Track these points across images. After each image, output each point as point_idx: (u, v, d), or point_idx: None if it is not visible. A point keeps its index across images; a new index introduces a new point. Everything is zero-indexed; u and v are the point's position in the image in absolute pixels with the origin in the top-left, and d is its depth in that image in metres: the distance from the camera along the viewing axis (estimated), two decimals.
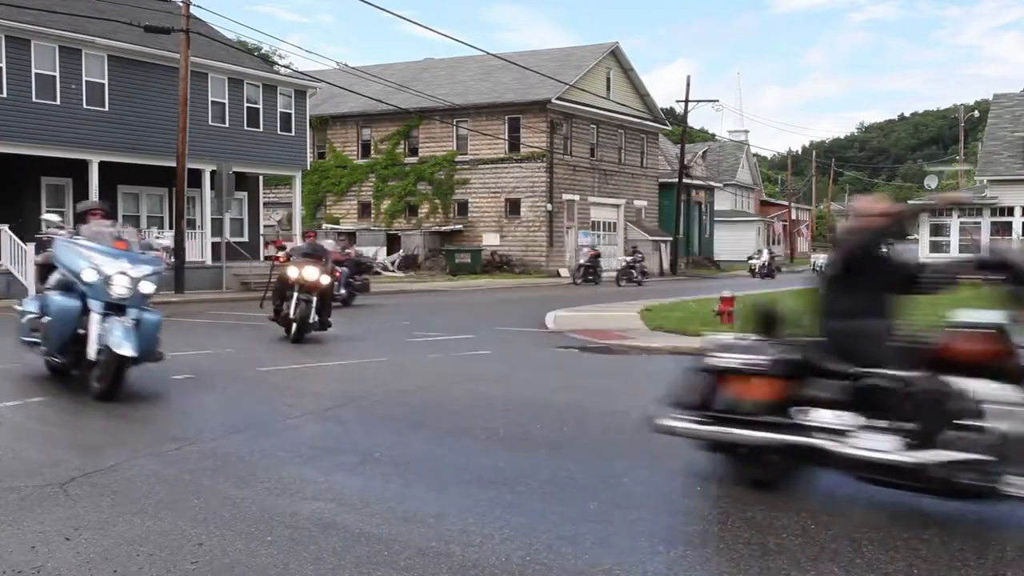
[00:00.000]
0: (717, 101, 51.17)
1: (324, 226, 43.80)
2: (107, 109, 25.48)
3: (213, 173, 26.86)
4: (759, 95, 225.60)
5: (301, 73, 34.61)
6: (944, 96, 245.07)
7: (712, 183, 58.18)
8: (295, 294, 13.69)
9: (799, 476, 5.55)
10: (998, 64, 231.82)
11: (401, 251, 40.92)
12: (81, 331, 8.39)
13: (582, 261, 34.80)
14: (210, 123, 28.22)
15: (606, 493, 5.56)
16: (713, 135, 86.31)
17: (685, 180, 47.85)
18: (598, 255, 35.67)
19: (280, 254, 15.84)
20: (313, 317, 13.79)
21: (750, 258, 47.55)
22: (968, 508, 5.16)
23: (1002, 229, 34.40)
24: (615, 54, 45.64)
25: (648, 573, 4.23)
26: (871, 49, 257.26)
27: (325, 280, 13.98)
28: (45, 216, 10.36)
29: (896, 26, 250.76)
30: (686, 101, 46.91)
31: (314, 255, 14.52)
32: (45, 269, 9.46)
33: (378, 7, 64.91)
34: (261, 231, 33.02)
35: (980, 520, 5.03)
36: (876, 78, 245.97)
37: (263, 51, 46.14)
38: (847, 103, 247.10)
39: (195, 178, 27.10)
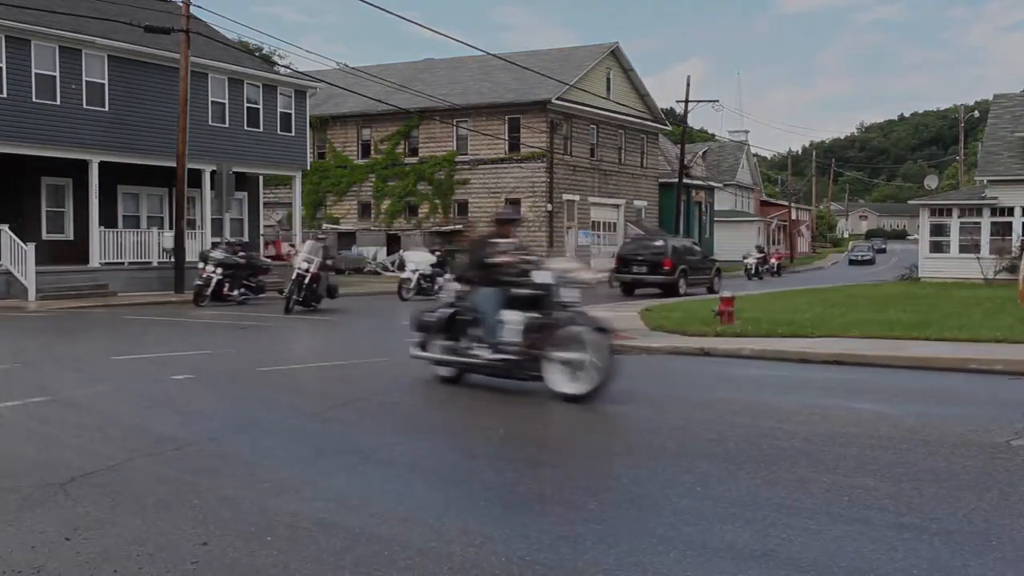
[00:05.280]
0: (717, 101, 50.90)
1: (324, 226, 43.83)
2: (107, 109, 25.46)
3: (213, 173, 26.85)
4: (767, 96, 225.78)
5: (301, 73, 34.57)
6: (946, 96, 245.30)
7: (712, 183, 58.15)
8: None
9: None
10: (1002, 65, 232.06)
11: (401, 251, 40.89)
12: None
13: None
14: (210, 123, 28.21)
15: (606, 493, 5.56)
16: (713, 135, 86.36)
17: (685, 180, 47.81)
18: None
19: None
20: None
21: (744, 257, 46.32)
22: (970, 508, 5.18)
23: (1002, 229, 34.27)
24: (615, 54, 45.63)
25: (648, 573, 4.23)
26: (877, 50, 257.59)
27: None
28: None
29: (901, 27, 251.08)
30: (686, 101, 46.91)
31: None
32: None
33: (380, 8, 64.92)
34: (261, 231, 32.99)
35: (981, 520, 5.03)
36: (880, 79, 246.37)
37: (263, 51, 46.06)
38: (852, 103, 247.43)
39: (195, 178, 27.08)
